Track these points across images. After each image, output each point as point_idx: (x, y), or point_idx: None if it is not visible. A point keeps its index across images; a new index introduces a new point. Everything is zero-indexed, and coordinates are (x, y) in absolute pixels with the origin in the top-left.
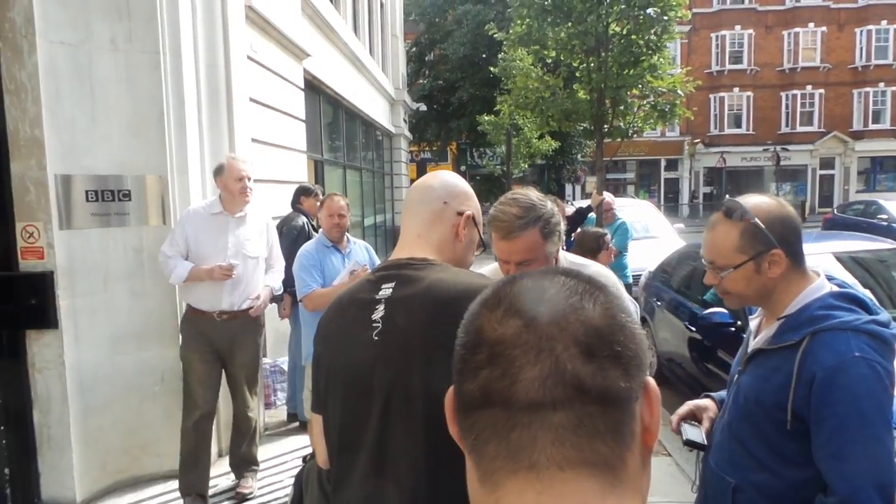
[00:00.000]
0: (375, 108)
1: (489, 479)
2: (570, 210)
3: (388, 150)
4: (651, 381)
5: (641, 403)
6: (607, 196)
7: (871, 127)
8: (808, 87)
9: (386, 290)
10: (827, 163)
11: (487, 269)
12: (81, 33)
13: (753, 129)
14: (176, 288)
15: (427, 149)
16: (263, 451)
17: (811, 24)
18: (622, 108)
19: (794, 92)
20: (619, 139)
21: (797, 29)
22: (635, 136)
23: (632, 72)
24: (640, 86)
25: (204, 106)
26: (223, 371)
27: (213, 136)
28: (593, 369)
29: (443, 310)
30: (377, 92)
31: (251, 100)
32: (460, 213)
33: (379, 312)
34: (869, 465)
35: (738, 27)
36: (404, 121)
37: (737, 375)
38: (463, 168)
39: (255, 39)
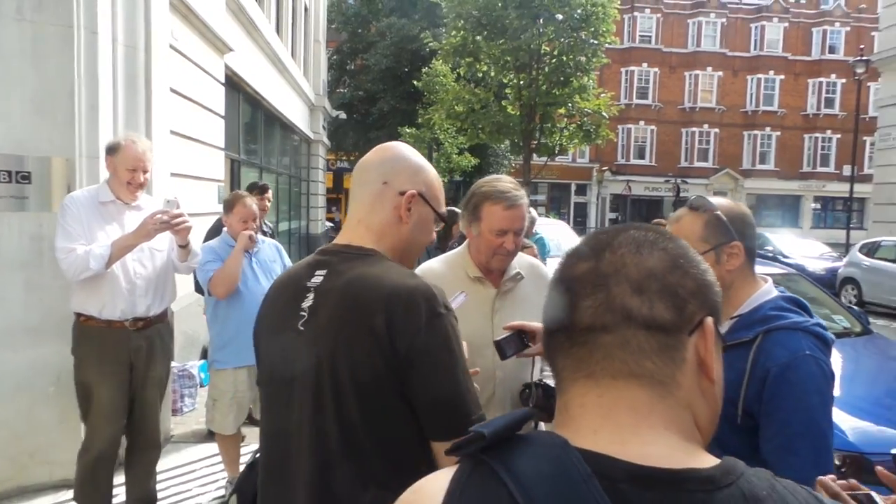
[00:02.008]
0: (295, 112)
1: (560, 386)
2: None
3: (305, 155)
4: (709, 319)
5: (697, 337)
6: (532, 211)
7: (758, 167)
8: (706, 126)
9: (318, 278)
10: (720, 197)
11: (443, 258)
12: None
13: (656, 161)
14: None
15: (345, 158)
16: (170, 460)
17: (709, 69)
18: (549, 125)
19: (693, 129)
20: (545, 156)
21: (697, 71)
22: (560, 154)
23: (562, 91)
24: (569, 105)
25: (120, 89)
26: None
27: (129, 122)
28: (640, 302)
29: (362, 308)
30: (297, 96)
31: (171, 90)
32: (402, 193)
33: (308, 301)
34: (815, 458)
35: (644, 64)
36: (323, 127)
37: None
38: None
39: (177, 27)
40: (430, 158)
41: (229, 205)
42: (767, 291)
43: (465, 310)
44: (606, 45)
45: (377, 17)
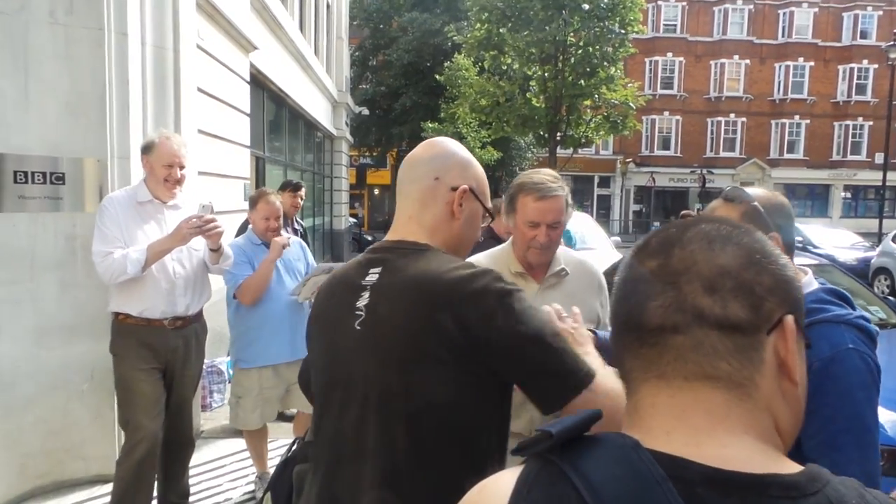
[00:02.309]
0: (318, 109)
1: (627, 386)
2: None
3: (328, 152)
4: (788, 318)
5: (777, 336)
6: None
7: (786, 156)
8: (732, 116)
9: (372, 276)
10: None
11: (487, 254)
12: (16, 2)
13: (681, 152)
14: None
15: (367, 154)
16: (200, 455)
17: (736, 57)
18: (576, 117)
19: (719, 119)
20: (571, 148)
21: (723, 60)
22: (585, 146)
23: (588, 82)
24: (595, 96)
25: (150, 90)
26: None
27: (158, 122)
28: (713, 301)
29: (426, 304)
30: (320, 92)
31: (198, 90)
32: (455, 189)
33: (364, 300)
34: (860, 455)
35: (669, 54)
36: (346, 124)
37: None
38: None
39: (203, 27)
40: None
41: (253, 201)
42: (808, 283)
43: None
44: (633, 35)
45: (399, 12)
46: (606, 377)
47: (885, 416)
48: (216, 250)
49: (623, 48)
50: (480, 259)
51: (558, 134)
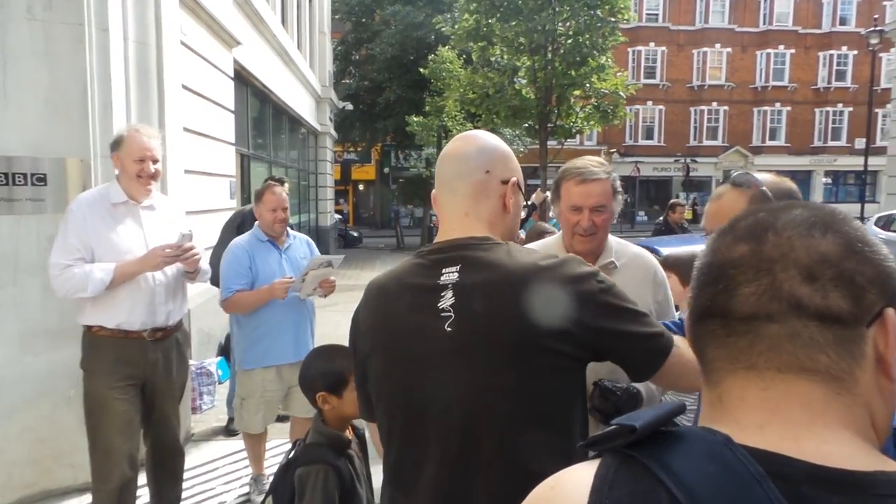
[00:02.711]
0: (302, 105)
1: (710, 377)
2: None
3: (313, 148)
4: (889, 311)
5: (876, 330)
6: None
7: (769, 143)
8: (714, 104)
9: (451, 275)
10: (729, 175)
11: (539, 244)
12: None
13: (665, 142)
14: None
15: (351, 149)
16: (191, 459)
17: (717, 45)
18: (566, 107)
19: (702, 107)
20: (562, 139)
21: (705, 49)
22: (575, 136)
23: (579, 71)
24: (586, 85)
25: (133, 87)
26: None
27: (142, 120)
28: (812, 290)
29: (529, 293)
30: (304, 88)
31: (183, 86)
32: (505, 182)
33: (447, 300)
34: None
35: (652, 44)
36: (330, 119)
37: None
38: (387, 170)
39: (186, 22)
40: (439, 146)
41: (259, 195)
42: None
43: None
44: (623, 24)
45: (381, 5)
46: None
47: None
48: (193, 273)
49: (613, 37)
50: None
51: (549, 125)
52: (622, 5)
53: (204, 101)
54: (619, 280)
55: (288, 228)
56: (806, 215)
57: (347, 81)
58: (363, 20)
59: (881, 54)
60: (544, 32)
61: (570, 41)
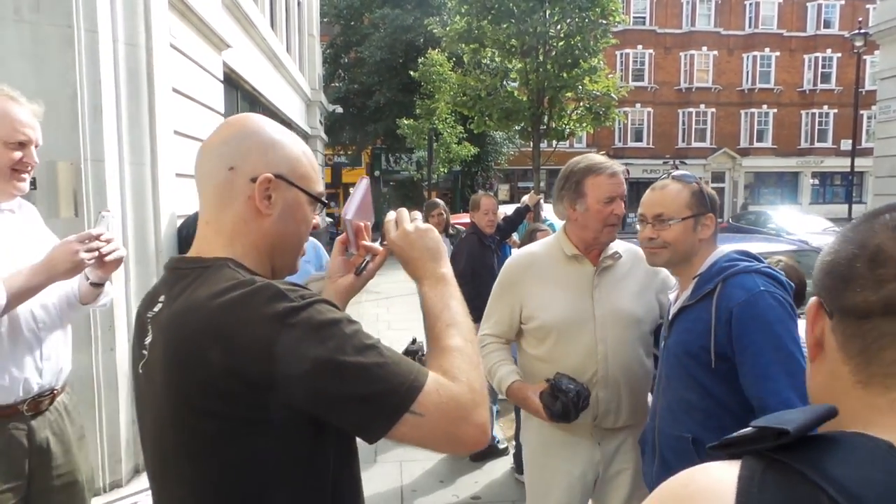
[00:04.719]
0: (292, 108)
1: (881, 381)
2: (509, 210)
3: None
4: None
5: None
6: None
7: (756, 145)
8: (702, 106)
9: (158, 306)
10: (718, 177)
11: (540, 243)
12: None
13: (654, 143)
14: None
15: (342, 152)
16: None
17: (704, 48)
18: (558, 109)
19: (690, 110)
20: (553, 141)
21: (692, 51)
22: (567, 138)
23: (571, 73)
24: (579, 87)
25: (123, 90)
26: None
27: (132, 123)
28: None
29: (189, 342)
30: (294, 91)
31: (173, 90)
32: (255, 179)
33: (149, 336)
34: (790, 381)
35: (640, 47)
36: (320, 122)
37: (663, 343)
38: (377, 173)
39: (175, 25)
40: (430, 149)
41: None
42: (722, 251)
43: (565, 287)
44: (614, 26)
45: (369, 8)
46: (445, 382)
47: None
48: (101, 285)
49: (605, 39)
50: (532, 247)
51: (541, 127)
52: (613, 8)
53: (194, 104)
54: (625, 269)
55: None
56: None
57: (337, 84)
58: (352, 23)
59: (865, 56)
60: (536, 35)
61: (561, 43)
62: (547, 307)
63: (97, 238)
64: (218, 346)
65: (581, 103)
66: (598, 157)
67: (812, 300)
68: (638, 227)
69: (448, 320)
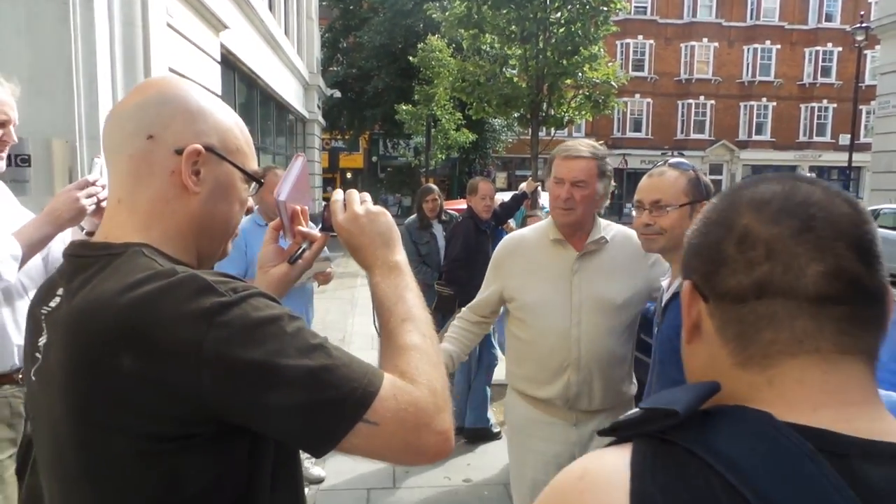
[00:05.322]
0: (289, 91)
1: (758, 361)
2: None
3: (300, 135)
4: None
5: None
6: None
7: (755, 137)
8: (702, 98)
9: (54, 300)
10: (716, 169)
11: (533, 227)
12: None
13: (652, 134)
14: None
15: (339, 137)
16: None
17: (705, 39)
18: (557, 96)
19: (689, 101)
20: (552, 128)
21: (693, 43)
22: (567, 126)
23: (571, 60)
24: (579, 75)
25: (119, 68)
26: None
27: None
28: (868, 269)
29: (93, 346)
30: (292, 74)
31: (170, 69)
32: (181, 151)
33: (43, 337)
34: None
35: (640, 37)
36: (318, 106)
37: (656, 328)
38: (375, 158)
39: (172, 4)
40: (428, 135)
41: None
42: None
43: (546, 270)
44: (615, 14)
45: None
46: (403, 385)
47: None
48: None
49: (605, 26)
50: (524, 231)
51: (540, 114)
52: None
53: (191, 84)
54: (610, 255)
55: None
56: (825, 189)
57: (335, 69)
58: (351, 7)
59: (866, 51)
60: (536, 21)
61: (562, 30)
62: (526, 289)
63: (93, 184)
64: (130, 350)
65: (581, 91)
66: (572, 141)
67: (685, 284)
68: (634, 213)
69: (403, 314)
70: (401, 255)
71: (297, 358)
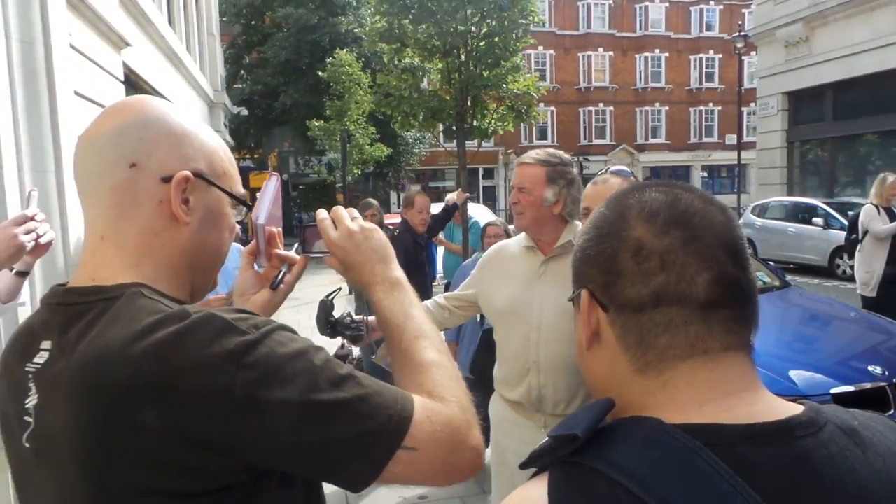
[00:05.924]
0: (195, 110)
1: (655, 366)
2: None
3: None
4: None
5: None
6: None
7: (651, 141)
8: (601, 105)
9: (41, 356)
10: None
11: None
12: None
13: (558, 141)
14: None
15: (248, 156)
16: None
17: (601, 49)
18: (480, 108)
19: (590, 108)
20: (476, 139)
21: (590, 52)
22: (493, 136)
23: (494, 73)
24: (503, 86)
25: (19, 91)
26: None
27: (31, 127)
28: (743, 272)
29: (111, 403)
30: (196, 93)
31: (75, 93)
32: (168, 179)
33: (32, 398)
34: None
35: (541, 48)
36: (225, 125)
37: None
38: (285, 176)
39: (72, 22)
40: (343, 150)
41: None
42: None
43: (515, 276)
44: (536, 25)
45: (271, 7)
46: (433, 405)
47: (790, 369)
48: (27, 273)
49: (524, 39)
50: (509, 241)
51: (465, 125)
52: (532, 8)
53: (95, 106)
54: None
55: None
56: (699, 197)
57: (240, 86)
58: (253, 22)
59: (745, 57)
60: (457, 35)
61: (482, 43)
62: (499, 294)
63: (32, 218)
64: (152, 404)
65: (504, 102)
66: (535, 150)
67: (583, 293)
68: (578, 221)
69: (415, 332)
70: (399, 271)
71: (331, 391)
